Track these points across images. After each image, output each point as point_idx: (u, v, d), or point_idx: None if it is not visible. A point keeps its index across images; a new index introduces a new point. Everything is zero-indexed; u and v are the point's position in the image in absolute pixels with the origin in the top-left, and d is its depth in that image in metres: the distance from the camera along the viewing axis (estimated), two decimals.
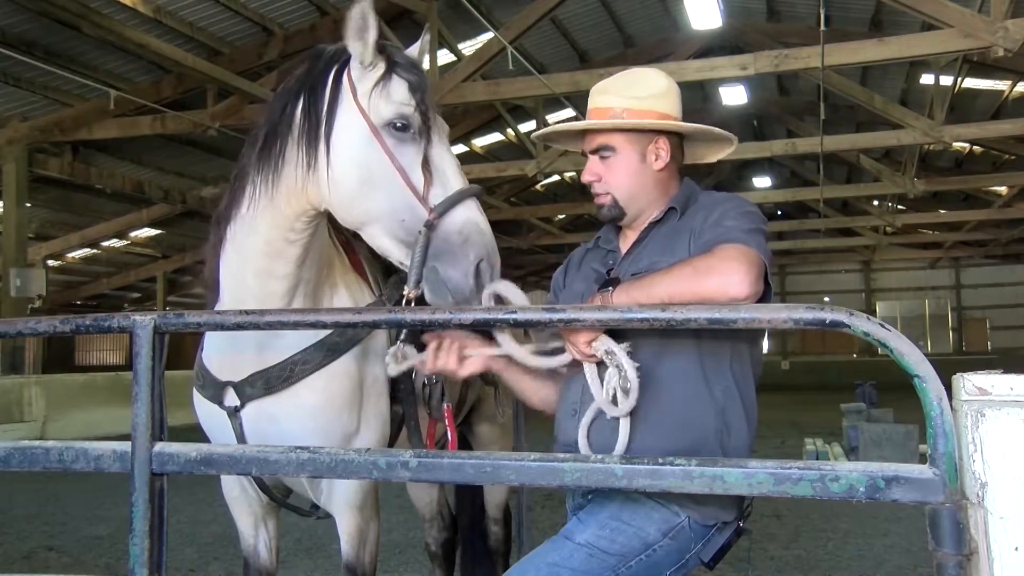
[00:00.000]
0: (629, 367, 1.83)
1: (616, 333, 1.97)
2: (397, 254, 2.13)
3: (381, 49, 2.21)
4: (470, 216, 2.09)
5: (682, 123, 2.12)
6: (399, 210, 2.11)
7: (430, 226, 2.06)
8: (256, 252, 2.28)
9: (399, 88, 2.17)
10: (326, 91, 2.21)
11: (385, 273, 2.77)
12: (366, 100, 2.17)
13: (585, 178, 2.14)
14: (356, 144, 2.16)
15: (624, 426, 1.91)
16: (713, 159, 2.32)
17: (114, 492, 7.66)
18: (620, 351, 1.84)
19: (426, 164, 2.12)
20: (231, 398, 2.38)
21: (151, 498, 1.75)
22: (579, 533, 1.93)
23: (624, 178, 2.10)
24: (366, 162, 2.14)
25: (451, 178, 2.14)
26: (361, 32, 2.15)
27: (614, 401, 1.87)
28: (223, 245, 2.34)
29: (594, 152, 2.12)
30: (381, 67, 2.19)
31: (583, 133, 2.20)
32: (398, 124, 2.14)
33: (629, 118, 2.08)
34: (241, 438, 2.39)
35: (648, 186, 2.12)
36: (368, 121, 2.15)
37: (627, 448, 1.93)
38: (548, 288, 2.41)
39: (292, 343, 2.35)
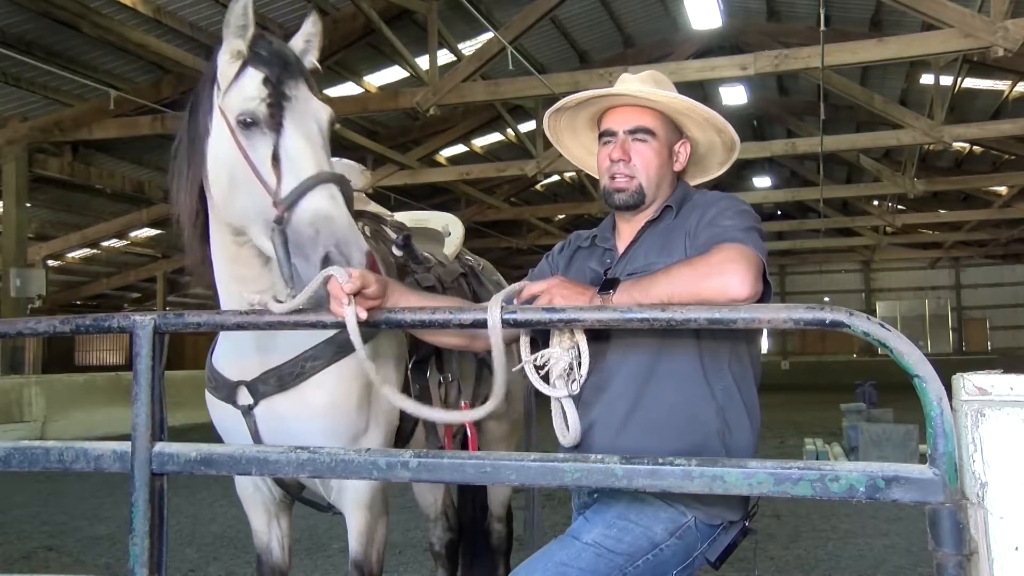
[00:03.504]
0: (584, 366, 1.89)
1: (610, 334, 1.98)
2: (274, 256, 2.05)
3: (250, 43, 2.13)
4: (318, 205, 1.95)
5: (733, 130, 2.17)
6: (261, 210, 2.04)
7: (280, 221, 1.97)
8: (223, 258, 2.29)
9: (250, 82, 2.10)
10: (203, 105, 2.19)
11: (400, 276, 2.77)
12: (223, 99, 2.13)
13: (615, 155, 2.09)
14: (220, 146, 2.12)
15: (569, 407, 1.95)
16: (708, 176, 2.34)
17: (114, 492, 7.67)
18: (584, 350, 1.87)
19: (276, 158, 2.03)
20: (244, 397, 2.39)
21: (151, 498, 1.75)
22: (586, 532, 1.93)
23: (655, 166, 2.10)
24: (228, 163, 2.10)
25: (303, 167, 2.01)
26: (241, 30, 2.11)
27: (546, 379, 1.91)
28: (209, 254, 2.35)
29: (631, 132, 2.10)
30: (239, 63, 2.13)
31: (596, 119, 2.21)
32: (247, 120, 2.07)
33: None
34: (256, 436, 2.40)
35: (666, 181, 2.14)
36: (226, 120, 2.11)
37: (583, 438, 1.98)
38: None
39: (295, 343, 2.35)
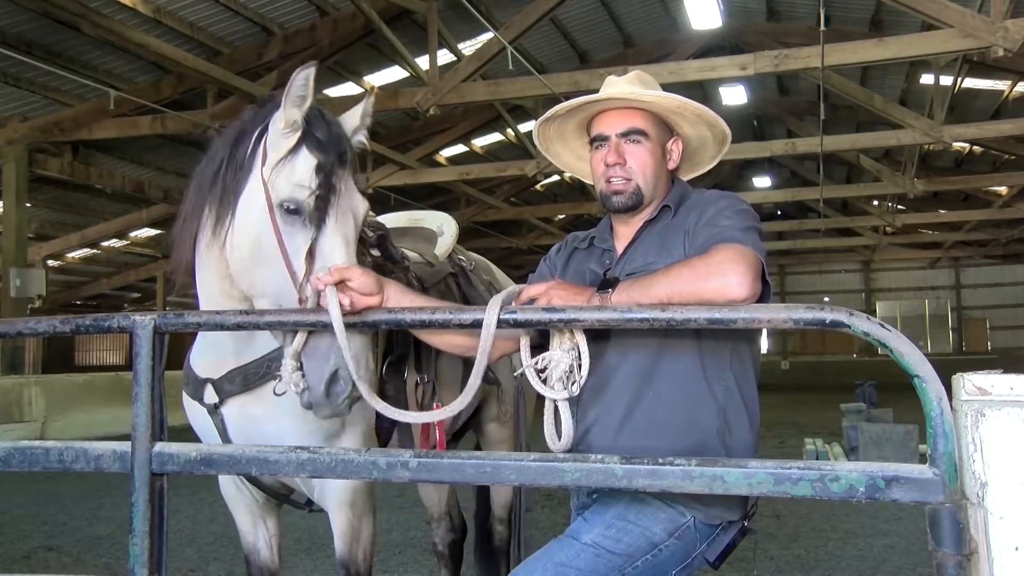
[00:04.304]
0: (585, 367, 1.85)
1: (610, 334, 1.98)
2: (277, 334, 2.05)
3: (307, 116, 2.10)
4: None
5: (724, 123, 2.16)
6: (280, 293, 2.05)
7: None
8: (215, 275, 2.28)
9: (303, 166, 2.07)
10: (244, 153, 2.16)
11: None
12: (269, 172, 2.09)
13: (610, 159, 2.08)
14: (254, 216, 2.10)
15: (564, 411, 1.91)
16: (701, 170, 2.34)
17: (114, 492, 7.66)
18: (585, 351, 1.85)
19: (311, 252, 2.02)
20: (210, 395, 2.41)
21: (151, 498, 1.75)
22: (585, 533, 1.93)
23: (651, 167, 2.10)
24: (258, 237, 2.08)
25: (336, 255, 2.02)
26: (302, 101, 2.08)
27: (544, 381, 1.88)
28: (195, 265, 2.34)
29: (624, 135, 2.09)
30: (295, 137, 2.09)
31: (585, 125, 2.21)
32: (289, 207, 2.05)
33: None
34: (224, 435, 2.42)
35: (662, 181, 2.14)
36: (267, 195, 2.08)
37: (583, 438, 1.97)
38: None
39: (269, 344, 2.35)
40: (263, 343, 2.35)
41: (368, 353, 2.00)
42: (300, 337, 1.95)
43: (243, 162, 2.15)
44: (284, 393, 2.04)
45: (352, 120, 2.27)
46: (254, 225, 2.09)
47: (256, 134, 2.16)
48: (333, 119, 2.20)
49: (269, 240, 2.06)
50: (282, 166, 2.08)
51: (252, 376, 2.35)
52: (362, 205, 2.18)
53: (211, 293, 2.32)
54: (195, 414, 2.51)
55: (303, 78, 2.05)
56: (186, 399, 2.52)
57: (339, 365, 1.89)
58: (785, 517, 6.33)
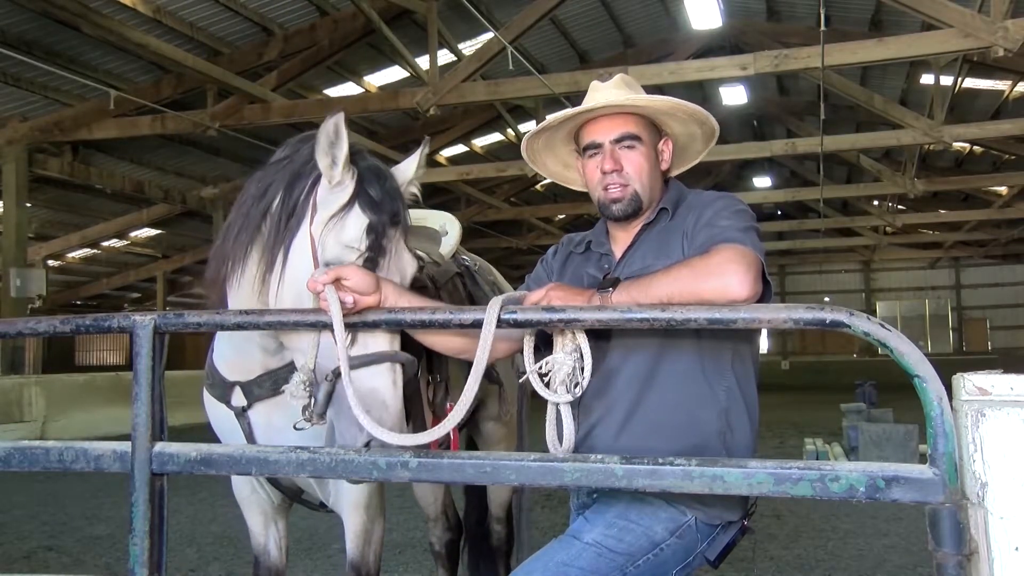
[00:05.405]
0: (587, 369, 1.82)
1: (611, 335, 1.98)
2: (297, 355, 2.02)
3: (362, 164, 2.04)
4: (378, 386, 1.91)
5: (713, 119, 2.15)
6: (316, 342, 1.98)
7: (338, 375, 1.88)
8: (251, 294, 2.23)
9: (354, 226, 2.00)
10: (298, 198, 2.08)
11: None
12: (320, 229, 2.02)
13: (606, 167, 2.07)
14: (300, 272, 2.03)
15: (567, 415, 1.87)
16: (687, 166, 2.33)
17: (114, 492, 7.66)
18: (587, 352, 1.83)
19: None
20: (238, 398, 2.39)
21: (151, 498, 1.75)
22: (586, 532, 1.93)
23: (647, 171, 2.09)
24: (302, 292, 2.00)
25: (376, 337, 1.96)
26: (330, 148, 2.00)
27: (545, 383, 1.85)
28: (225, 299, 2.30)
29: (618, 141, 2.08)
30: (346, 193, 2.03)
31: (573, 133, 2.21)
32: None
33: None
34: (250, 438, 2.40)
35: (657, 183, 2.13)
36: (314, 253, 2.02)
37: (584, 439, 1.96)
38: None
39: (300, 347, 2.33)
40: (290, 344, 2.33)
41: (401, 410, 1.94)
42: (311, 352, 1.94)
43: (295, 209, 2.08)
44: (304, 429, 2.02)
45: (407, 171, 2.21)
46: (300, 281, 2.03)
47: (311, 180, 2.09)
48: (388, 173, 2.13)
49: (312, 299, 1.98)
50: (332, 224, 2.01)
51: (282, 381, 2.28)
52: (410, 266, 2.11)
53: (248, 336, 2.30)
54: (219, 417, 2.48)
55: (332, 126, 1.98)
56: (210, 400, 2.49)
57: (372, 436, 1.81)
58: (785, 517, 6.33)
